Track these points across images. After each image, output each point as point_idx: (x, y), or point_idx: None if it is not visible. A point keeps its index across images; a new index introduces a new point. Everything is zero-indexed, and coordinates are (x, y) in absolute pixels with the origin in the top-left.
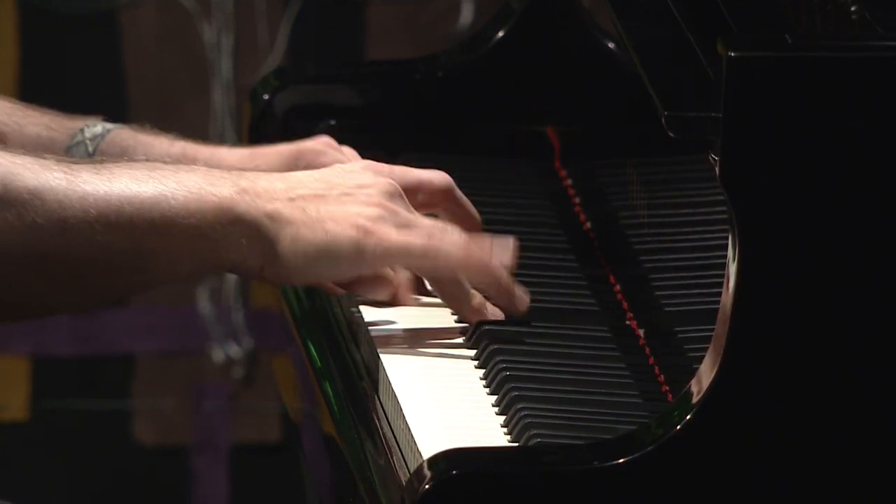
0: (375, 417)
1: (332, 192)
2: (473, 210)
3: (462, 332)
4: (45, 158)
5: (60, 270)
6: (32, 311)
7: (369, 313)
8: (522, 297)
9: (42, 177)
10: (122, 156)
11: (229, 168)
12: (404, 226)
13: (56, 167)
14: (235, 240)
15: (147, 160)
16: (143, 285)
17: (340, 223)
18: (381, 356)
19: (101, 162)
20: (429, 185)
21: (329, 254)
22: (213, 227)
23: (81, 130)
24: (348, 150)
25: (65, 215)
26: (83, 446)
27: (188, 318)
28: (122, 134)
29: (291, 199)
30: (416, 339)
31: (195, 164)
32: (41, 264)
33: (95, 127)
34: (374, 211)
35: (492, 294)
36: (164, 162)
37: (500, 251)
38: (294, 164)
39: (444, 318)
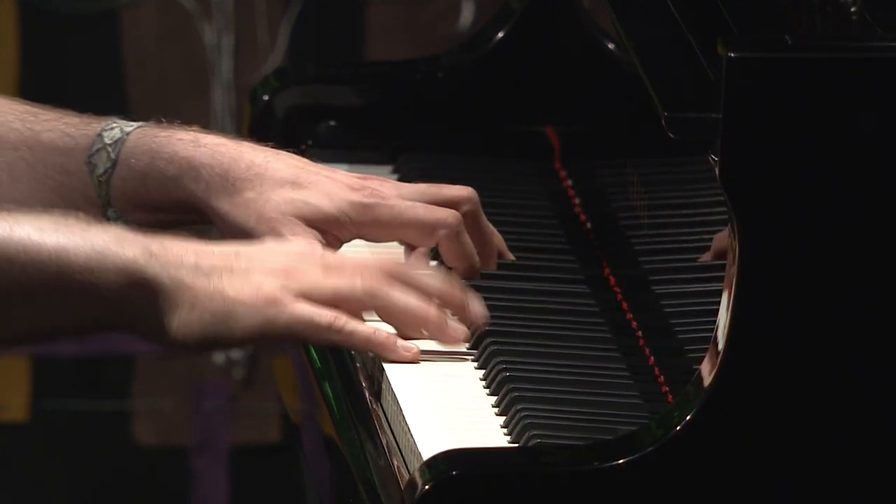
0: (375, 418)
1: (240, 264)
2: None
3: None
4: None
5: None
6: None
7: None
8: (457, 331)
9: None
10: (148, 164)
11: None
12: (310, 292)
13: None
14: (136, 303)
15: (60, 214)
16: (46, 334)
17: (239, 292)
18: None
19: (7, 210)
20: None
21: (226, 321)
22: (111, 287)
23: (100, 136)
24: (392, 190)
25: None
26: (83, 447)
27: None
28: (145, 136)
29: (197, 266)
30: (416, 341)
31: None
32: None
33: (113, 130)
34: (275, 280)
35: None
36: (78, 218)
37: (403, 347)
38: None
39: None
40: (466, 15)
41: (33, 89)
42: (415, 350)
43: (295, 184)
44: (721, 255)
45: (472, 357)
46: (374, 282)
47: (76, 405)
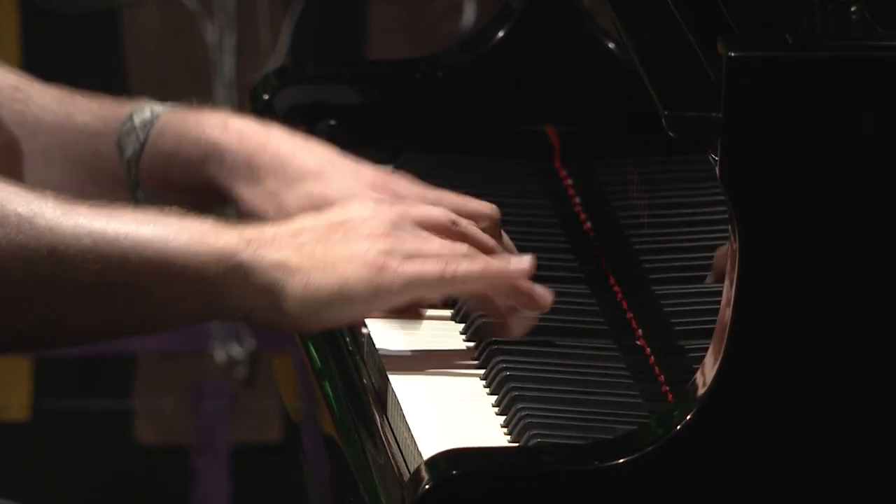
0: (375, 417)
1: (336, 234)
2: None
3: (463, 331)
4: (41, 191)
5: (53, 297)
6: (37, 340)
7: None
8: (544, 294)
9: (34, 203)
10: (178, 144)
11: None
12: (415, 254)
13: (52, 198)
14: (240, 288)
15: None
16: (144, 324)
17: (351, 263)
18: (381, 356)
19: (104, 205)
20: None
21: (343, 296)
22: (215, 273)
23: (130, 118)
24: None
25: (55, 241)
26: (84, 446)
27: None
28: (172, 121)
29: (298, 246)
30: (416, 340)
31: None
32: (34, 289)
33: (144, 112)
34: (381, 245)
35: (515, 302)
36: (174, 212)
37: (516, 263)
38: None
39: (444, 317)
40: (468, 15)
41: None
42: (529, 264)
43: (318, 177)
44: (722, 273)
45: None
46: (466, 246)
47: (77, 404)
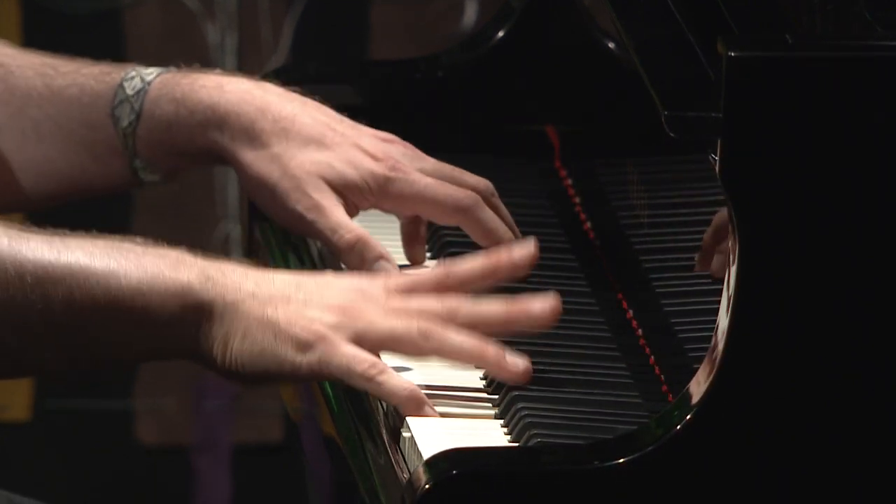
0: (375, 417)
1: (298, 295)
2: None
3: None
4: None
5: (7, 331)
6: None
7: None
8: (515, 365)
9: None
10: (175, 111)
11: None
12: (363, 334)
13: (2, 230)
14: (189, 326)
15: (116, 238)
16: (85, 362)
17: (291, 326)
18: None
19: (62, 234)
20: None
21: (272, 355)
22: (164, 313)
23: (121, 87)
24: (415, 166)
25: (15, 266)
26: (85, 446)
27: None
28: (165, 87)
29: (254, 295)
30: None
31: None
32: None
33: (133, 80)
34: (331, 317)
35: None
36: (136, 243)
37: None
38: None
39: None
40: (469, 15)
41: None
42: (435, 413)
43: (321, 143)
44: (718, 231)
45: (494, 403)
46: (431, 323)
47: (78, 404)
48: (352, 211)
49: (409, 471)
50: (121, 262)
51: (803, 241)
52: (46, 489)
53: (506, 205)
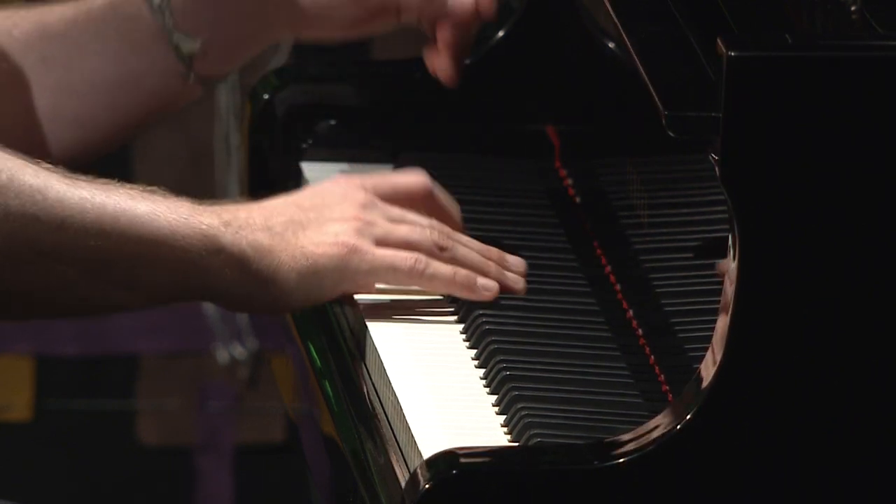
0: (375, 417)
1: (308, 216)
2: (454, 210)
3: (463, 331)
4: (44, 164)
5: (51, 268)
6: (11, 311)
7: (367, 305)
8: (517, 280)
9: (42, 175)
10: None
11: None
12: (384, 238)
13: (56, 171)
14: (219, 270)
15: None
16: (127, 301)
17: (320, 245)
18: (382, 356)
19: (99, 180)
20: (406, 191)
21: (313, 277)
22: (199, 254)
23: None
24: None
25: (63, 214)
26: (87, 446)
27: (192, 318)
28: None
29: (269, 228)
30: (416, 340)
31: None
32: (36, 260)
33: None
34: (351, 227)
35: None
36: (153, 190)
37: (483, 283)
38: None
39: (444, 317)
40: None
41: None
42: (496, 289)
43: None
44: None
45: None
46: (439, 233)
47: (80, 405)
48: None
49: (409, 471)
50: (158, 204)
51: (803, 241)
52: (47, 490)
53: (506, 205)
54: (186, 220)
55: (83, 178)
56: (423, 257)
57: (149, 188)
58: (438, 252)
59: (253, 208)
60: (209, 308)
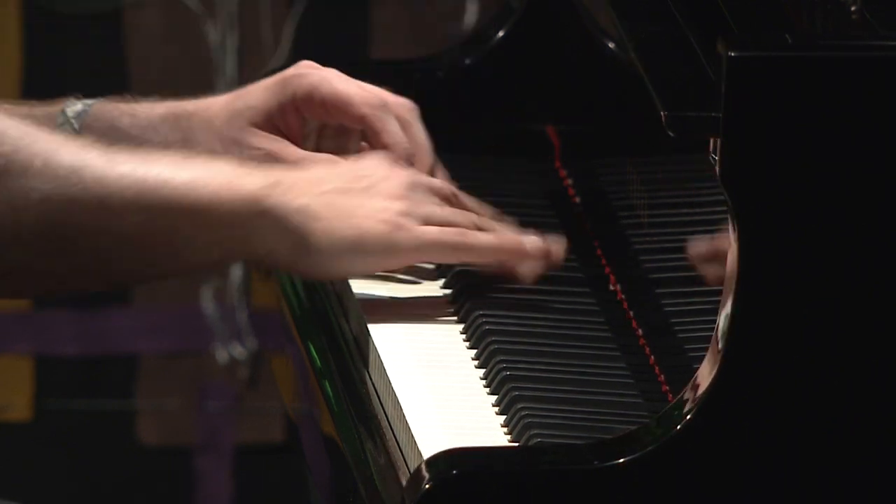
0: (375, 417)
1: (356, 186)
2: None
3: (463, 331)
4: (82, 138)
5: (95, 245)
6: (52, 286)
7: (367, 305)
8: (558, 249)
9: (80, 154)
10: (109, 127)
11: (217, 115)
12: (428, 218)
13: (93, 146)
14: (264, 232)
15: (177, 151)
16: (170, 269)
17: (370, 218)
18: (382, 356)
19: (140, 150)
20: (434, 188)
21: (360, 248)
22: (243, 218)
23: (63, 112)
24: (328, 71)
25: (102, 193)
26: (87, 446)
27: (192, 318)
28: (105, 107)
29: (319, 195)
30: (416, 340)
31: (186, 119)
32: (79, 238)
33: (75, 105)
34: (400, 205)
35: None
36: (197, 153)
37: (531, 242)
38: (281, 94)
39: (444, 317)
40: (469, 15)
41: (35, 89)
42: (541, 243)
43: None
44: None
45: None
46: (479, 216)
47: (79, 405)
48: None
49: (409, 471)
50: (199, 171)
51: (804, 241)
52: (48, 490)
53: (506, 205)
54: (230, 185)
55: (124, 151)
56: (467, 232)
57: (189, 152)
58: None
59: (300, 173)
60: (208, 307)
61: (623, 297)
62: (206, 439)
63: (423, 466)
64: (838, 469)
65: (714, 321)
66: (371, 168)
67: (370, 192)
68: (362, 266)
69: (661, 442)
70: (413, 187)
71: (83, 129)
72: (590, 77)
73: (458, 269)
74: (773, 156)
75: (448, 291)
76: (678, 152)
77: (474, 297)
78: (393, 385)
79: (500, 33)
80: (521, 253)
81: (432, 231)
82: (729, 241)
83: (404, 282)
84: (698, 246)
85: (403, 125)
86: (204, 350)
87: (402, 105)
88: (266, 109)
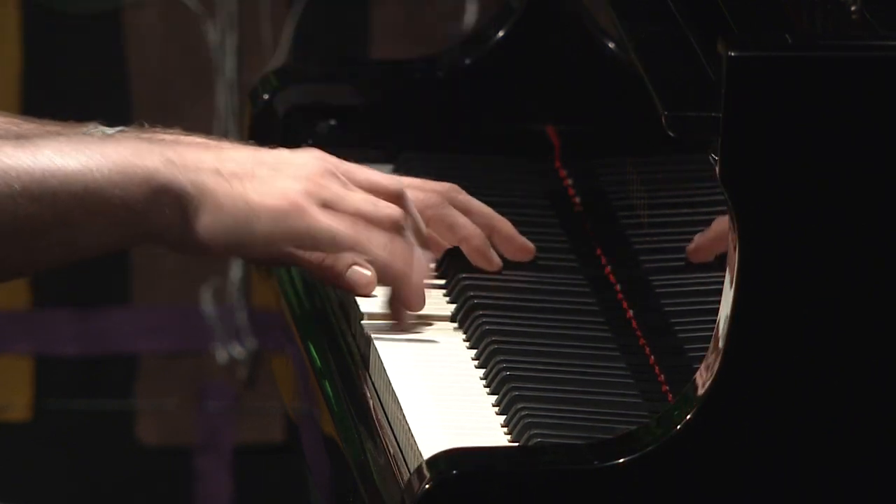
0: (375, 417)
1: (262, 170)
2: (422, 225)
3: (463, 331)
4: None
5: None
6: None
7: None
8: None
9: None
10: None
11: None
12: (333, 202)
13: None
14: (159, 210)
15: (74, 134)
16: (66, 257)
17: (263, 196)
18: (382, 356)
19: (26, 136)
20: (380, 189)
21: (246, 225)
22: (136, 199)
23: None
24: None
25: None
26: (86, 446)
27: (191, 318)
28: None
29: (218, 172)
30: (416, 339)
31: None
32: None
33: (95, 132)
34: (301, 186)
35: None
36: (91, 135)
37: (420, 266)
38: None
39: (444, 316)
40: (469, 15)
41: (36, 89)
42: (426, 270)
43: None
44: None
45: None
46: (394, 209)
47: (79, 405)
48: None
49: (409, 471)
50: (90, 156)
51: (804, 241)
52: (47, 490)
53: (506, 205)
54: (122, 167)
55: (8, 141)
56: (361, 229)
57: (83, 137)
58: (387, 224)
59: (209, 151)
60: (208, 307)
61: (623, 297)
62: (206, 439)
63: (424, 466)
64: (838, 469)
65: (714, 321)
66: (288, 154)
67: (274, 175)
68: (250, 244)
69: (661, 442)
70: (326, 174)
71: None
72: (590, 77)
73: (458, 269)
74: (773, 156)
75: (447, 291)
76: (678, 152)
77: (474, 297)
78: (393, 385)
79: (500, 33)
80: (402, 279)
81: (328, 219)
82: (728, 241)
83: None
84: (697, 245)
85: (463, 210)
86: (204, 350)
87: (451, 191)
88: None
